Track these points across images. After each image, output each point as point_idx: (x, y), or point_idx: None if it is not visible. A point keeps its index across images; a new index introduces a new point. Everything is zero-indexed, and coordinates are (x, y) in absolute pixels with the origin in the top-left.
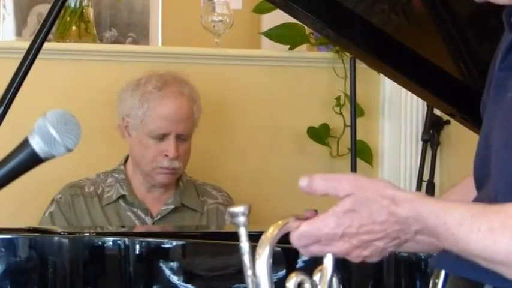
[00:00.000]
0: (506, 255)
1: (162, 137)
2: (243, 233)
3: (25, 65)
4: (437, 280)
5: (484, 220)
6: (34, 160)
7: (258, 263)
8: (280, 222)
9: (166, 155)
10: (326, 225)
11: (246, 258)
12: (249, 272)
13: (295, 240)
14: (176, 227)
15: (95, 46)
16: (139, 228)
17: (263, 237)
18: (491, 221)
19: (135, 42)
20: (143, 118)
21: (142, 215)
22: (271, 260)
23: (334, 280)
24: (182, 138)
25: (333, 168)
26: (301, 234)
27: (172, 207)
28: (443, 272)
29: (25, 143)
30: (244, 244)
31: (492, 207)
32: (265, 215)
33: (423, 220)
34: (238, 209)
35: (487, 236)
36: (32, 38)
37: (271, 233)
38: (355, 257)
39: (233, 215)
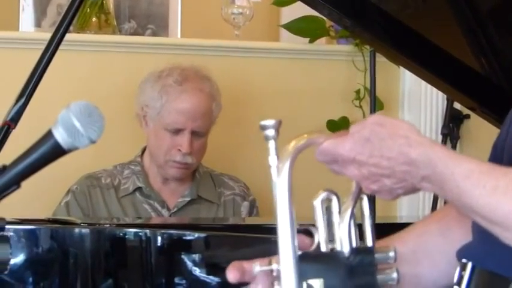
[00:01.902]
0: (505, 216)
1: (177, 132)
2: (272, 146)
3: (46, 57)
4: (463, 272)
5: (490, 178)
6: (57, 152)
7: (278, 180)
8: (305, 135)
9: (180, 150)
10: (342, 147)
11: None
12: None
13: (317, 156)
14: (193, 220)
15: (115, 37)
16: (158, 220)
17: (284, 150)
18: (497, 179)
19: (154, 34)
20: (160, 110)
21: (159, 207)
22: (291, 180)
23: (365, 199)
24: (197, 135)
25: None
26: (321, 151)
27: (189, 199)
28: (470, 264)
29: (49, 134)
30: (272, 157)
31: (502, 168)
32: None
33: (432, 166)
34: (269, 122)
35: (490, 194)
36: (54, 29)
37: (293, 146)
38: (365, 187)
39: (264, 128)
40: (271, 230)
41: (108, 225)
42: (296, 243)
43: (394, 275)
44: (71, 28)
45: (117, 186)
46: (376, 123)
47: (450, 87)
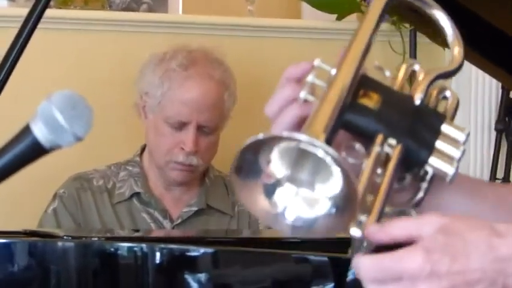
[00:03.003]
0: None
1: (181, 126)
2: None
3: (22, 37)
4: None
5: None
6: (37, 151)
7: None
8: None
9: (183, 148)
10: (411, 261)
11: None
12: None
13: (369, 272)
14: (201, 232)
15: (104, 14)
16: (158, 233)
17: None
18: None
19: (150, 9)
20: (161, 100)
21: (160, 218)
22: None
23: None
24: (205, 131)
25: None
26: (378, 268)
27: (196, 208)
28: None
29: (26, 130)
30: None
31: None
32: None
33: None
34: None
35: None
36: (31, 4)
37: None
38: None
39: None
40: (293, 244)
41: (96, 239)
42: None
43: (451, 170)
44: (52, 3)
45: (111, 189)
46: (445, 216)
47: (505, 73)
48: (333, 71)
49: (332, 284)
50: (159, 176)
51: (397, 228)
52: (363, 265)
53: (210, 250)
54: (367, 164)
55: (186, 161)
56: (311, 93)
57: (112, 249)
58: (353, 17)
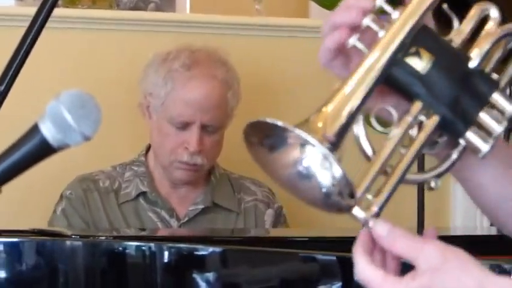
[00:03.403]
0: None
1: (184, 126)
2: None
3: (30, 36)
4: None
5: None
6: (45, 150)
7: None
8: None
9: (187, 148)
10: None
11: None
12: None
13: (360, 271)
14: (208, 231)
15: (112, 13)
16: (165, 232)
17: None
18: None
19: (158, 8)
20: (165, 100)
21: (167, 217)
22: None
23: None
24: (209, 130)
25: None
26: (371, 277)
27: (202, 206)
28: None
29: (34, 129)
30: None
31: None
32: (311, 214)
33: None
34: None
35: None
36: (39, 3)
37: None
38: None
39: None
40: (301, 243)
41: (104, 238)
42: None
43: (485, 147)
44: (59, 2)
45: (116, 190)
46: (441, 257)
47: None
48: (394, 15)
49: (340, 284)
50: (165, 176)
51: (400, 247)
52: (361, 266)
53: (218, 249)
54: (394, 134)
55: (191, 161)
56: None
57: (120, 248)
58: None
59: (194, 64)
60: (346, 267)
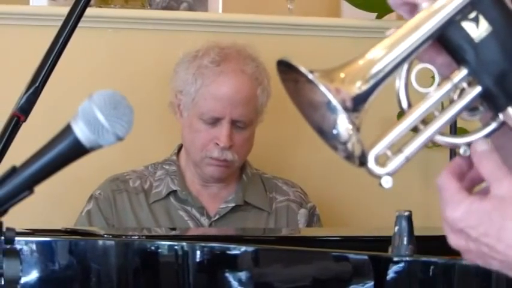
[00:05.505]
0: None
1: (215, 122)
2: None
3: (63, 36)
4: None
5: None
6: (78, 150)
7: None
8: None
9: (217, 144)
10: (453, 209)
11: None
12: None
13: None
14: (240, 230)
15: (145, 12)
16: (197, 231)
17: None
18: None
19: (190, 8)
20: (195, 96)
21: (197, 215)
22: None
23: None
24: (239, 126)
25: (428, 161)
26: (440, 186)
27: (233, 205)
28: None
29: (67, 130)
30: None
31: None
32: (344, 213)
33: None
34: None
35: None
36: (71, 3)
37: None
38: (465, 257)
39: None
40: (333, 242)
41: (137, 237)
42: None
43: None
44: (92, 2)
45: (147, 190)
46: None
47: None
48: None
49: (372, 283)
50: (196, 174)
51: (485, 166)
52: (444, 173)
53: (250, 248)
54: (432, 95)
55: (221, 156)
56: None
57: (153, 248)
58: (392, 15)
59: (223, 60)
60: (378, 266)
